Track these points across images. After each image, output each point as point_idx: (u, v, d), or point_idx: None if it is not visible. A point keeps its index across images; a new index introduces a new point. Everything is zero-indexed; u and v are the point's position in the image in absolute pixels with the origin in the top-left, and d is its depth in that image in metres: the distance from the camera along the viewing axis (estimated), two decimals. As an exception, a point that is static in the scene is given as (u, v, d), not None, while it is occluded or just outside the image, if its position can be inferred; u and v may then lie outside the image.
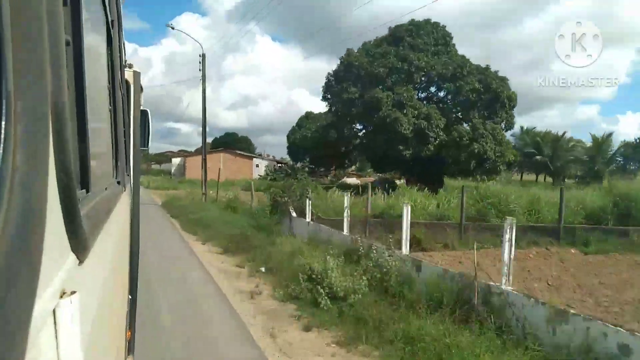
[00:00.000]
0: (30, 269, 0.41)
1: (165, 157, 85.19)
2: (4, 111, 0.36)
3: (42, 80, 0.46)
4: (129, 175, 3.18)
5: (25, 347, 0.38)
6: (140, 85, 3.75)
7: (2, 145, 0.36)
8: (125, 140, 2.77)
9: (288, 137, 51.42)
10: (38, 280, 0.42)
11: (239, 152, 56.08)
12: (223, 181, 36.49)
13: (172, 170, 55.04)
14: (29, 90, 0.42)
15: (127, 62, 3.52)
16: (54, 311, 0.54)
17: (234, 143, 57.36)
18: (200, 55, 26.23)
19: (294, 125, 51.70)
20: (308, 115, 50.52)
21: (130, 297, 3.00)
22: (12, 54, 0.37)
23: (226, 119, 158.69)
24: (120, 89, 2.45)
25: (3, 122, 0.36)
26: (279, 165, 48.79)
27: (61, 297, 0.56)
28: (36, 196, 0.43)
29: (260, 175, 47.12)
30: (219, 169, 30.39)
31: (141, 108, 3.83)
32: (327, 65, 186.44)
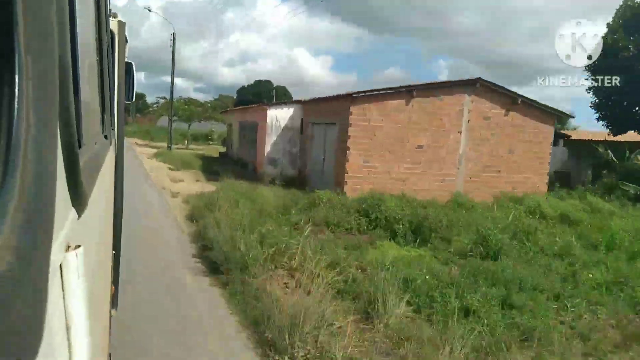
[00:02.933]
0: (46, 223, 0.42)
1: (202, 110, 34.90)
2: (16, 69, 0.35)
3: (49, 33, 0.44)
4: (113, 129, 3.11)
5: (46, 302, 0.39)
6: (125, 36, 3.60)
7: (16, 104, 0.35)
8: (109, 94, 2.68)
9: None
10: (53, 234, 0.43)
11: (521, 96, 13.64)
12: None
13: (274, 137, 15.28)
14: (38, 45, 0.41)
15: (112, 11, 3.35)
16: (60, 266, 0.55)
17: (267, 94, 32.74)
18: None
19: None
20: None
21: (114, 252, 3.00)
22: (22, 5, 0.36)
23: (225, 76, 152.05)
24: (106, 39, 2.35)
25: (17, 80, 0.35)
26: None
27: (66, 251, 0.57)
28: (47, 153, 0.43)
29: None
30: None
31: (126, 60, 3.70)
32: (329, 24, 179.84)
